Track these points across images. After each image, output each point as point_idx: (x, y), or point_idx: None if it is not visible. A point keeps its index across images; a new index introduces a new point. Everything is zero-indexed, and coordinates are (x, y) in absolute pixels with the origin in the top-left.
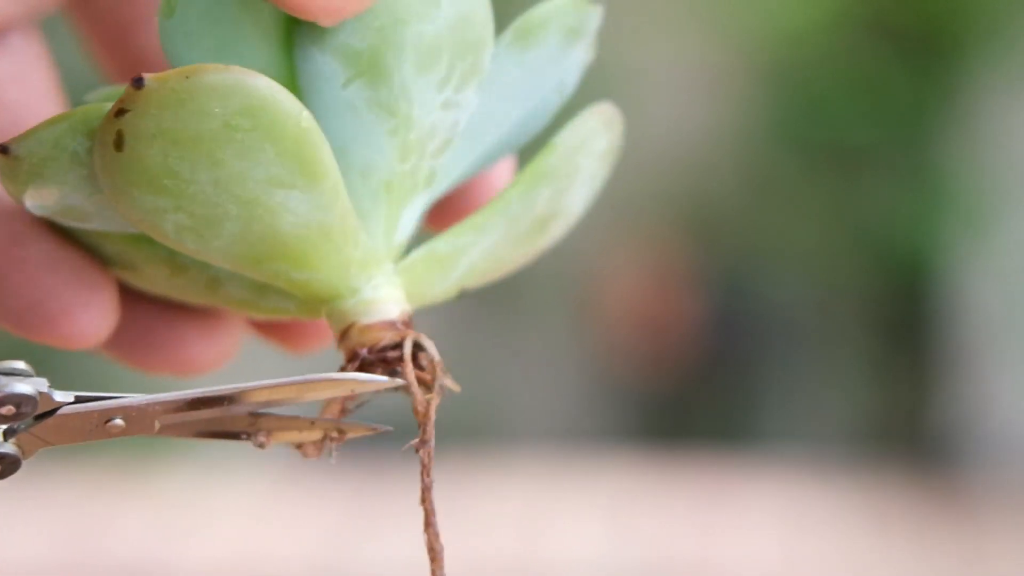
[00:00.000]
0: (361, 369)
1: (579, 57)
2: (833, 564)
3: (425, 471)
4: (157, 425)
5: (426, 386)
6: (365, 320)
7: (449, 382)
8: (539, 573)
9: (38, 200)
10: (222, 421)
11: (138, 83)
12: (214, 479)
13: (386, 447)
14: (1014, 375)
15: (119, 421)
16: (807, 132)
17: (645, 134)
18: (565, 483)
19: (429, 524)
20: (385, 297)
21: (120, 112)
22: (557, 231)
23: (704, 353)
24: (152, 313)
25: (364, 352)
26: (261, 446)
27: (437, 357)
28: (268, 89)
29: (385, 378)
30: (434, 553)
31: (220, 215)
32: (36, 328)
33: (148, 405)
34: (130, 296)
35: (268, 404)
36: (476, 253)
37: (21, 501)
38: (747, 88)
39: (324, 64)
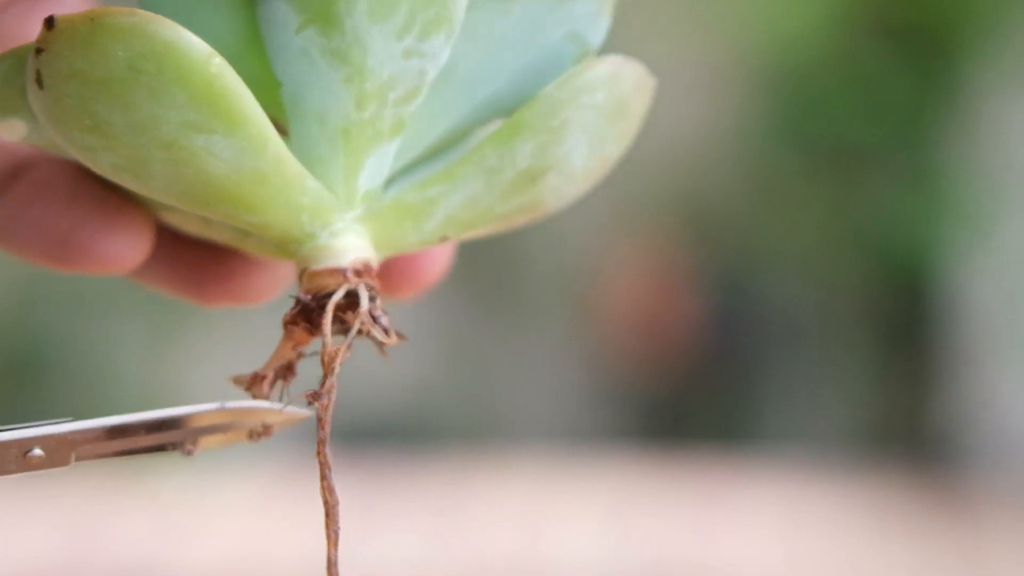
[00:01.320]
0: (302, 315)
1: (587, 8)
2: (833, 564)
3: (321, 424)
4: (73, 457)
5: (344, 334)
6: (314, 266)
7: (382, 336)
8: (539, 573)
9: (11, 133)
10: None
11: (50, 23)
12: (214, 479)
13: (386, 447)
14: (1014, 375)
15: (38, 451)
16: (807, 132)
17: (645, 134)
18: (565, 483)
19: (324, 477)
20: (341, 245)
21: (38, 51)
22: (557, 187)
23: (704, 353)
24: (196, 248)
25: (307, 298)
26: (189, 454)
27: (364, 307)
28: (171, 33)
29: (300, 410)
30: (328, 507)
31: (146, 157)
32: (69, 258)
33: (67, 434)
34: (173, 232)
35: (190, 433)
36: (453, 203)
37: (21, 501)
38: (747, 88)
39: (278, 9)
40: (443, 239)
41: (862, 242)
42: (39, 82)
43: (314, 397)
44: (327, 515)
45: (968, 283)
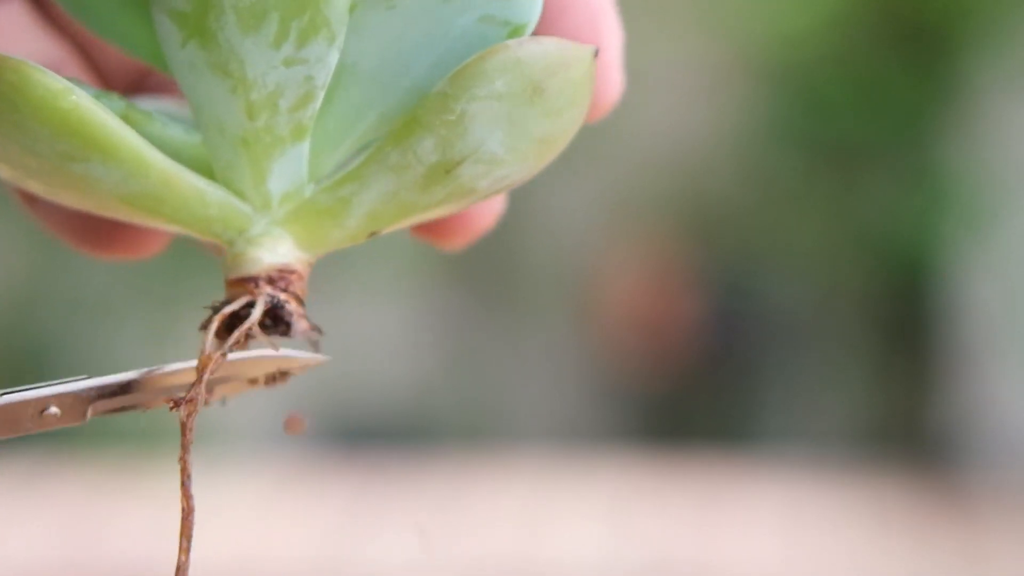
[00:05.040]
0: (206, 324)
1: None
2: (833, 564)
3: (183, 430)
4: (89, 412)
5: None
6: (228, 275)
7: (302, 335)
8: (539, 573)
9: None
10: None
11: None
12: (214, 479)
13: (386, 447)
14: (1014, 375)
15: (54, 410)
16: (807, 132)
17: (645, 134)
18: (565, 483)
19: (183, 484)
20: (254, 254)
21: None
22: (483, 173)
23: (704, 353)
24: None
25: (217, 305)
26: (206, 403)
27: (249, 323)
28: (17, 74)
29: (317, 356)
30: (185, 514)
31: (46, 182)
32: (101, 245)
33: (83, 391)
34: None
35: (200, 382)
36: (368, 201)
37: (21, 501)
38: (748, 88)
39: (163, 25)
40: (372, 234)
41: (862, 242)
42: None
43: (176, 404)
44: (183, 521)
45: (968, 283)
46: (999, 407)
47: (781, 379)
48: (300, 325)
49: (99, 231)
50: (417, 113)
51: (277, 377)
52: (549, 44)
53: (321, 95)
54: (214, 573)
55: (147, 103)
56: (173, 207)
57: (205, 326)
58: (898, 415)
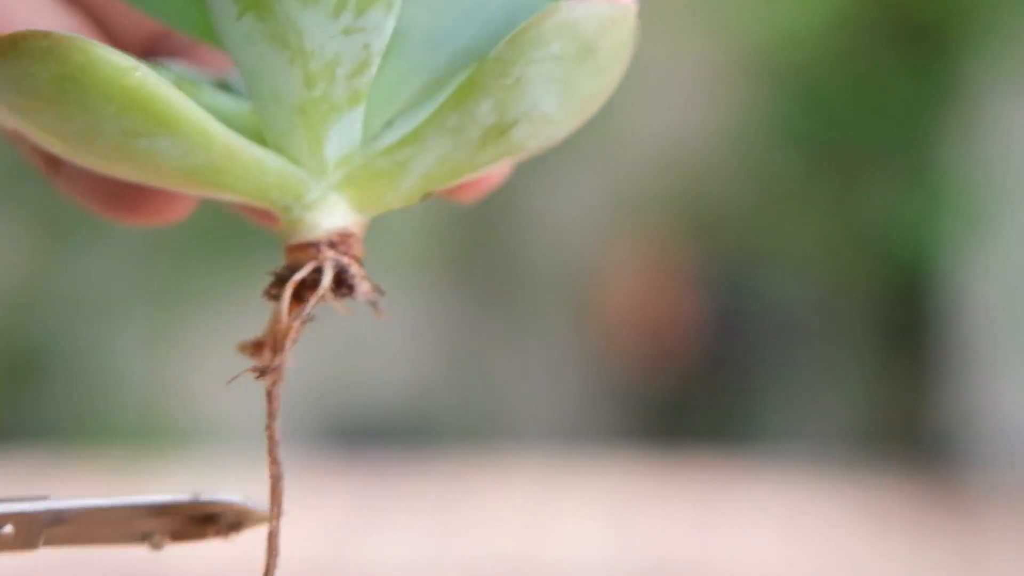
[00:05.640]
0: (276, 286)
1: None
2: (833, 564)
3: (269, 399)
4: (41, 541)
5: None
6: (289, 241)
7: (365, 295)
8: (539, 573)
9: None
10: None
11: None
12: (214, 479)
13: (386, 447)
14: (1014, 375)
15: (8, 529)
16: (808, 132)
17: (645, 134)
18: (565, 483)
19: (271, 451)
20: (313, 218)
21: None
22: (533, 132)
23: (704, 353)
24: None
25: (283, 272)
26: (157, 547)
27: (322, 288)
28: (86, 53)
29: (237, 499)
30: (274, 480)
31: (103, 156)
32: (125, 210)
33: (40, 514)
34: None
35: (161, 523)
36: (425, 163)
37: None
38: (748, 88)
39: None
40: (426, 196)
41: (862, 242)
42: None
43: (261, 373)
44: (273, 488)
45: (968, 283)
46: (999, 407)
47: (781, 379)
48: (363, 287)
49: (125, 197)
50: (476, 77)
51: (232, 529)
52: (599, 4)
53: (377, 62)
54: (215, 573)
55: (176, 69)
56: (233, 177)
57: (271, 293)
58: (898, 415)
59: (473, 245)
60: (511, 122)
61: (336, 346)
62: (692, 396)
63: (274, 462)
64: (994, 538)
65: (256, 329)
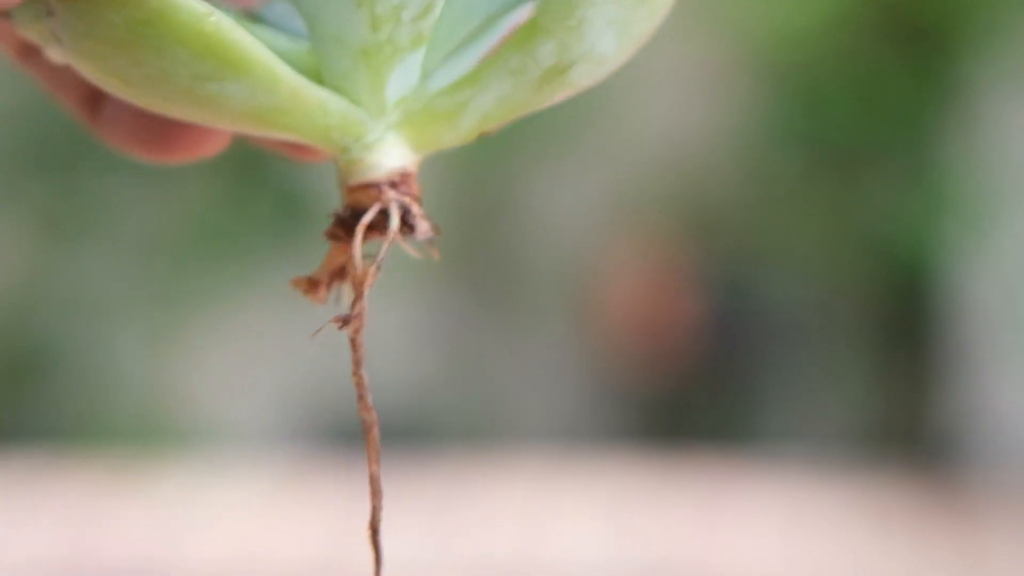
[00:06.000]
0: (340, 227)
1: None
2: (834, 564)
3: (354, 347)
4: None
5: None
6: (350, 181)
7: (423, 233)
8: (539, 573)
9: (56, 57)
10: None
11: None
12: (214, 479)
13: (386, 447)
14: (1014, 375)
15: None
16: (808, 132)
17: (645, 134)
18: (565, 483)
19: (361, 397)
20: (373, 159)
21: (49, 12)
22: (589, 71)
23: (704, 353)
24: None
25: (344, 213)
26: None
27: (393, 227)
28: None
29: None
30: (368, 425)
31: (170, 99)
32: (161, 149)
33: None
34: None
35: None
36: (484, 103)
37: (21, 501)
38: (748, 88)
39: None
40: (482, 133)
41: (862, 242)
42: (59, 40)
43: (344, 321)
44: (367, 432)
45: (968, 283)
46: (999, 407)
47: (781, 379)
48: (423, 226)
49: (164, 137)
50: (539, 19)
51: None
52: None
53: (441, 4)
54: (214, 573)
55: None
56: (295, 118)
57: (333, 234)
58: (898, 415)
59: (473, 245)
60: (570, 63)
61: (336, 346)
62: (692, 396)
63: (366, 408)
64: (994, 538)
65: (256, 327)
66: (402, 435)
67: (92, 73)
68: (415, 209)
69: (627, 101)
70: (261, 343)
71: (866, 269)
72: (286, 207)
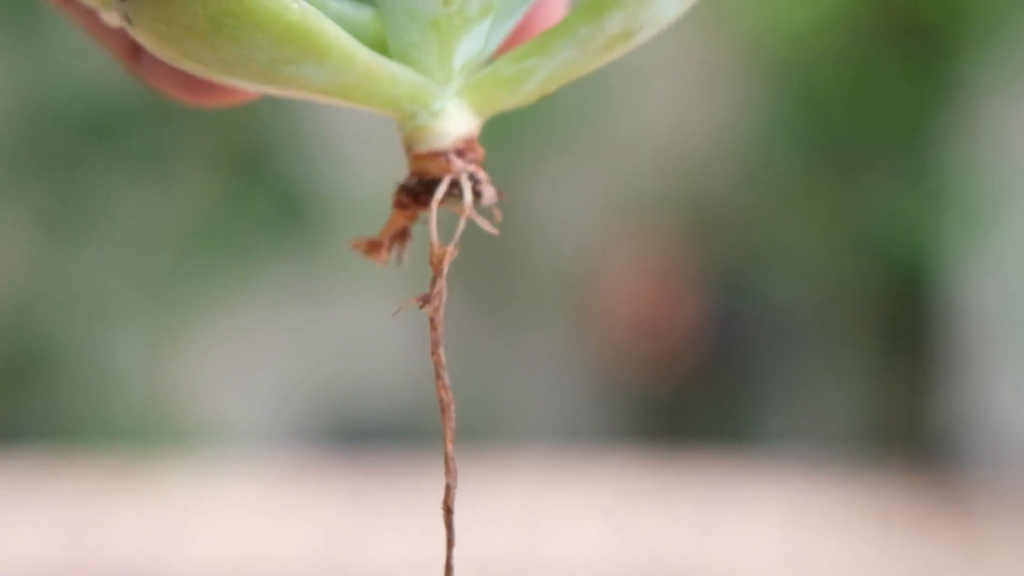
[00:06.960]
0: (408, 194)
1: None
2: (834, 564)
3: (433, 326)
4: None
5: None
6: (416, 148)
7: (488, 199)
8: (539, 573)
9: (114, 21)
10: None
11: None
12: (214, 479)
13: (386, 447)
14: (1014, 375)
15: None
16: (808, 132)
17: (645, 134)
18: (565, 483)
19: (439, 376)
20: (440, 127)
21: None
22: (650, 34)
23: (704, 353)
24: None
25: (412, 182)
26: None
27: (467, 201)
28: None
29: None
30: (444, 405)
31: (243, 78)
32: (198, 93)
33: None
34: None
35: None
36: (548, 70)
37: (21, 501)
38: (748, 88)
39: None
40: (542, 95)
41: (862, 242)
42: (128, 20)
43: (425, 300)
44: (444, 412)
45: (968, 283)
46: (999, 407)
47: (781, 379)
48: (489, 192)
49: (203, 83)
50: None
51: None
52: None
53: None
54: (214, 573)
55: None
56: (367, 92)
57: (400, 202)
58: (898, 415)
59: (473, 245)
60: (636, 29)
61: (336, 346)
62: (692, 396)
63: (444, 387)
64: (994, 538)
65: (256, 327)
66: (402, 435)
67: (162, 53)
68: (481, 175)
69: (627, 101)
70: (261, 343)
71: (866, 269)
72: (286, 207)
